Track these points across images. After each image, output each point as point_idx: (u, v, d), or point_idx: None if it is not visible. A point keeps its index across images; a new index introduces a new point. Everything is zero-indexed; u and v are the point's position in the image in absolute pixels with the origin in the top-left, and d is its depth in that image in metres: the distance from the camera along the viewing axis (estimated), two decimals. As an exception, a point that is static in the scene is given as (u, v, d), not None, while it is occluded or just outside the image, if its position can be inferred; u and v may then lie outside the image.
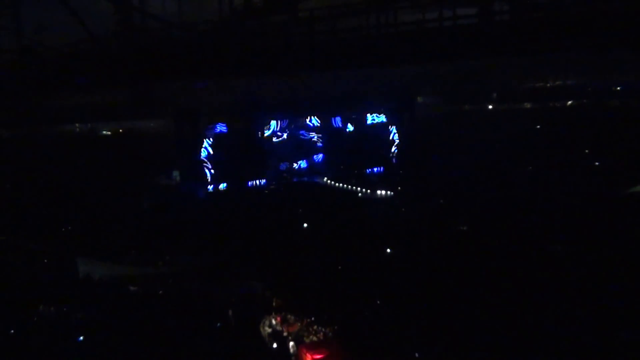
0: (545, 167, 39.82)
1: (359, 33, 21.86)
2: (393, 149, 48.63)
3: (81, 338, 19.25)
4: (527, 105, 54.69)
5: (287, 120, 45.81)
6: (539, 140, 46.22)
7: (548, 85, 54.30)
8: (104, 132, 52.51)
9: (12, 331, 19.56)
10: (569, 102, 52.44)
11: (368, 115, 48.06)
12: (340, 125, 47.53)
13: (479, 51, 22.01)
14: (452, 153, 45.79)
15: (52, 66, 26.46)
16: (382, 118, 48.59)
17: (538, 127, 49.70)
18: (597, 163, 39.32)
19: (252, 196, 40.50)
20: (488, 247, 24.86)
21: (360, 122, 48.02)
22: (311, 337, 19.32)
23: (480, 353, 16.88)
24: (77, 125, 52.39)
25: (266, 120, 44.68)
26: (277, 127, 45.62)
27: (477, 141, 46.61)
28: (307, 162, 46.55)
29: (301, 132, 46.45)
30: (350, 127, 47.83)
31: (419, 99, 52.67)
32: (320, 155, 47.19)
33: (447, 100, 55.50)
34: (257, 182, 43.31)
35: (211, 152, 41.79)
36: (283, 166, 45.44)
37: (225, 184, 42.20)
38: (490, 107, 56.32)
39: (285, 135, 45.61)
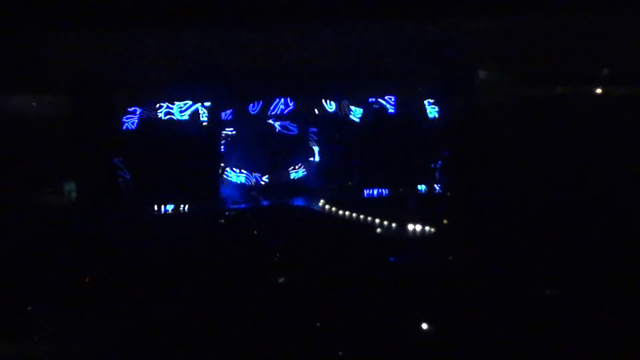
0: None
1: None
2: (437, 154, 49.01)
3: None
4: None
5: (260, 103, 46.71)
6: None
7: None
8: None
9: None
10: None
11: (395, 99, 48.40)
12: (349, 113, 48.05)
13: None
14: (536, 164, 46.31)
15: None
16: (421, 104, 48.94)
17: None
18: None
19: (195, 229, 40.80)
20: (595, 326, 24.54)
21: (381, 110, 48.33)
22: None
23: None
24: None
25: (223, 102, 45.51)
26: (239, 114, 47.10)
27: (576, 145, 46.93)
28: (290, 174, 47.39)
29: (282, 123, 47.14)
30: (364, 118, 48.16)
31: (481, 75, 52.30)
32: (314, 163, 48.04)
33: (527, 77, 54.13)
34: (206, 205, 44.15)
35: (130, 152, 42.97)
36: (250, 179, 46.35)
37: (153, 207, 43.09)
38: (598, 91, 55.82)
39: (255, 129, 46.62)
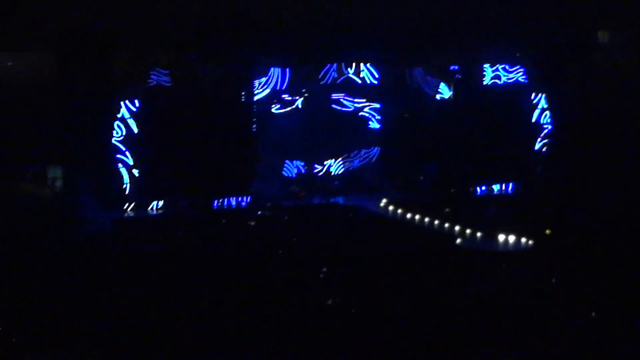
0: None
1: None
2: (539, 140, 48.45)
3: None
4: None
5: (306, 70, 46.14)
6: None
7: None
8: None
9: None
10: None
11: (486, 67, 47.66)
12: (424, 85, 47.24)
13: None
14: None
15: None
16: (518, 75, 48.20)
17: None
18: None
19: (219, 233, 40.46)
20: None
21: (467, 82, 47.55)
22: None
23: None
24: None
25: (258, 67, 44.88)
26: (281, 83, 45.99)
27: None
28: (345, 163, 47.24)
29: (336, 96, 46.73)
30: (444, 91, 47.26)
31: (602, 37, 51.23)
32: (375, 150, 47.92)
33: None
34: (234, 200, 43.91)
35: (135, 130, 41.93)
36: (292, 169, 46.50)
37: (161, 202, 43.01)
38: None
39: (299, 103, 46.10)
